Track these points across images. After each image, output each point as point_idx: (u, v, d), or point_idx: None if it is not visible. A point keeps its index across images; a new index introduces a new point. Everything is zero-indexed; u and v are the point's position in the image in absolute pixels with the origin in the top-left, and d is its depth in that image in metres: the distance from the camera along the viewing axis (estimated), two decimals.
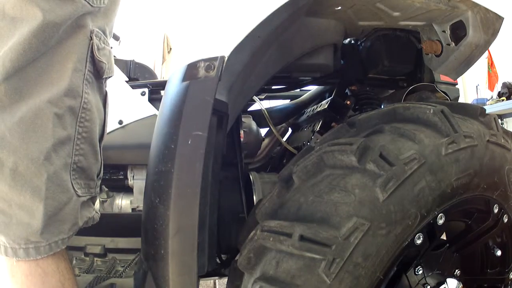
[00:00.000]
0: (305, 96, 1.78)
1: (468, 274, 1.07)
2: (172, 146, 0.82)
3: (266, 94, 1.73)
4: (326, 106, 1.47)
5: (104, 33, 0.84)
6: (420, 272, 0.89)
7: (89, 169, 0.84)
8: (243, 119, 1.42)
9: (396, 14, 1.16)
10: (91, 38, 0.78)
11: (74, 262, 1.35)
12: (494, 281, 1.10)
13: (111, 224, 1.32)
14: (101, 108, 0.88)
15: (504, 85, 4.47)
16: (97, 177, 0.89)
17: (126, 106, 1.32)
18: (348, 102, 1.46)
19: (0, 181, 0.71)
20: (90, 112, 0.81)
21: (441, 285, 0.94)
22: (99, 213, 0.94)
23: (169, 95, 0.89)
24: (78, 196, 0.80)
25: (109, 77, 0.90)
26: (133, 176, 1.35)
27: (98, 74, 0.83)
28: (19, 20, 0.68)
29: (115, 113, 1.26)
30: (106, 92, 0.91)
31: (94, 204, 0.92)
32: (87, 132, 0.81)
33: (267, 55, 1.06)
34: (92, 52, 0.79)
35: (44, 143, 0.72)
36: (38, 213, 0.72)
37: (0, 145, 0.70)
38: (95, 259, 1.39)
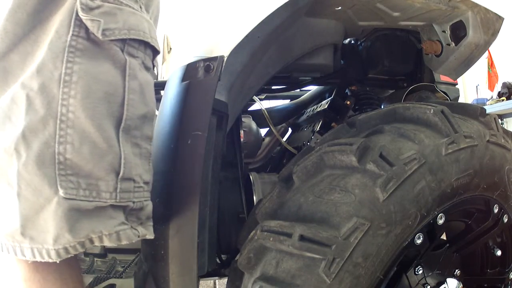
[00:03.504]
0: (305, 96, 1.78)
1: (468, 274, 1.07)
2: (172, 146, 0.82)
3: (266, 94, 1.73)
4: (326, 106, 1.47)
5: None
6: (420, 272, 0.89)
7: (89, 163, 0.64)
8: (243, 119, 1.41)
9: (396, 14, 1.16)
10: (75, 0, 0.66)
11: None
12: (494, 281, 1.10)
13: None
14: (113, 79, 0.68)
15: (504, 85, 4.47)
16: (117, 176, 0.67)
17: None
18: (348, 102, 1.46)
19: None
20: (77, 85, 0.64)
21: (441, 285, 0.94)
22: (144, 229, 0.71)
23: (169, 95, 0.89)
24: (65, 198, 0.62)
25: (127, 40, 0.70)
26: None
27: (95, 37, 0.66)
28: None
29: None
30: (126, 60, 0.70)
31: (137, 217, 0.71)
32: (75, 111, 0.64)
33: (267, 55, 1.06)
34: (77, 14, 0.65)
35: (16, 131, 0.63)
36: (16, 210, 0.63)
37: None
38: (95, 259, 1.39)
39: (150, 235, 0.73)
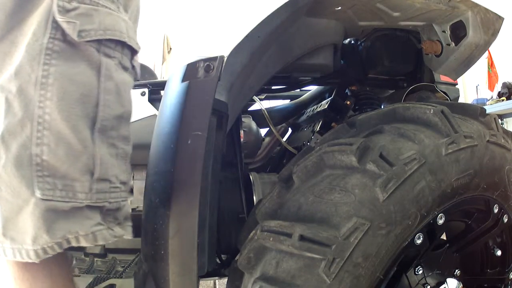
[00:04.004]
0: (305, 96, 1.78)
1: (468, 274, 1.07)
2: (172, 146, 0.82)
3: (266, 94, 1.73)
4: (326, 106, 1.47)
5: None
6: (420, 272, 0.89)
7: (65, 164, 0.65)
8: (243, 119, 1.41)
9: (396, 14, 1.16)
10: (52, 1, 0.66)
11: (74, 262, 1.34)
12: (494, 281, 1.10)
13: None
14: (88, 80, 0.68)
15: (504, 85, 4.47)
16: (92, 177, 0.67)
17: None
18: (348, 102, 1.46)
19: None
20: (53, 87, 0.64)
21: (441, 285, 0.94)
22: (122, 229, 0.72)
23: (169, 95, 0.89)
24: (42, 199, 0.63)
25: (103, 40, 0.70)
26: (133, 176, 1.35)
27: (71, 39, 0.66)
28: None
29: None
30: (100, 61, 0.70)
31: (114, 217, 0.71)
32: (51, 113, 0.64)
33: (267, 55, 1.06)
34: (54, 16, 0.65)
35: None
36: None
37: None
38: (95, 259, 1.39)
39: (128, 235, 0.73)
